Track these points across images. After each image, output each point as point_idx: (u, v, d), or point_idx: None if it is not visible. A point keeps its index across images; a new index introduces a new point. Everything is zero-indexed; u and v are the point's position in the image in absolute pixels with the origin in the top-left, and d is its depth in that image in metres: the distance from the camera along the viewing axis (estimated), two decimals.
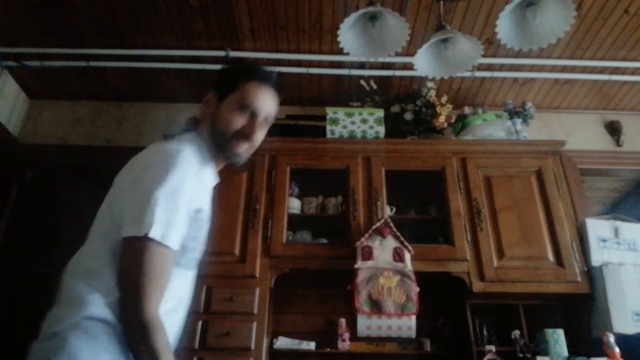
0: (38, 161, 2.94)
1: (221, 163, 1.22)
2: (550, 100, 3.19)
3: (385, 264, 2.25)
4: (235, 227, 2.36)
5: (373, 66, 2.84)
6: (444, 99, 2.82)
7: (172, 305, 1.03)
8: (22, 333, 2.58)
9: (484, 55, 2.17)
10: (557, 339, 2.19)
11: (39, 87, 3.11)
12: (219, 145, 1.16)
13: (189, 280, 1.13)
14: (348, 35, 1.93)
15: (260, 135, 1.19)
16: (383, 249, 2.29)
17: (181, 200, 1.00)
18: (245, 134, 1.15)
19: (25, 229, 2.74)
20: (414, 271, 2.25)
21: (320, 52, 2.79)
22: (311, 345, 2.39)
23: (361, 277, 2.22)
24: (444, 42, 1.98)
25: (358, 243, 2.30)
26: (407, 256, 2.29)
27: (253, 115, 1.16)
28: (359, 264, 2.25)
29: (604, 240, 2.41)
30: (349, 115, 2.69)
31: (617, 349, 2.04)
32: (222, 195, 2.43)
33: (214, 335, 2.12)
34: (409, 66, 2.49)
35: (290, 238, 2.47)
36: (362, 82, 2.85)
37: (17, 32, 2.68)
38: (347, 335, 2.39)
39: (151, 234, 0.93)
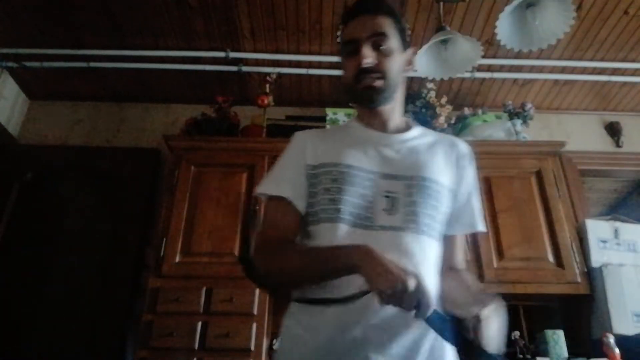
0: (38, 162, 2.94)
1: (379, 112, 1.11)
2: (550, 101, 3.19)
3: None
4: (235, 228, 2.36)
5: None
6: (443, 99, 2.82)
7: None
8: (22, 333, 2.60)
9: (484, 56, 2.17)
10: (557, 340, 2.19)
11: (39, 88, 3.11)
12: (352, 98, 1.14)
13: (355, 235, 0.96)
14: None
15: (379, 59, 1.05)
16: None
17: (283, 160, 1.11)
18: (358, 70, 1.05)
19: (25, 230, 2.74)
20: None
21: (320, 53, 2.78)
22: None
23: None
24: (444, 43, 1.99)
25: None
26: None
27: (357, 50, 1.06)
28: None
29: (604, 241, 2.41)
30: (349, 116, 2.69)
31: (617, 350, 2.03)
32: (222, 196, 2.43)
33: (213, 335, 2.12)
34: None
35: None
36: None
37: (17, 33, 2.68)
38: None
39: (256, 192, 1.09)
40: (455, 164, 1.11)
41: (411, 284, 0.76)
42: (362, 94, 1.06)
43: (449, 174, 1.09)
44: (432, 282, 0.96)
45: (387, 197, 0.99)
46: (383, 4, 1.11)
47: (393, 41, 1.08)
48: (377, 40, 1.06)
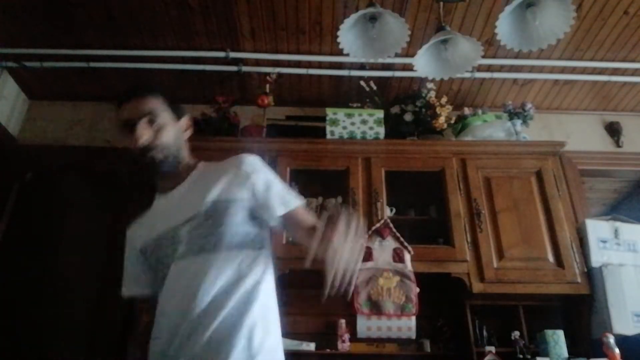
0: (38, 162, 2.94)
1: (167, 174, 1.26)
2: (550, 101, 3.19)
3: (385, 265, 2.26)
4: None
5: (373, 67, 2.84)
6: (443, 99, 2.82)
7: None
8: (22, 333, 2.60)
9: (484, 56, 2.17)
10: (557, 340, 2.19)
11: (39, 88, 3.11)
12: (141, 165, 1.23)
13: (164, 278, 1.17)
14: (348, 36, 1.93)
15: (150, 134, 1.19)
16: (382, 249, 2.29)
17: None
18: (133, 147, 1.19)
19: (25, 230, 2.74)
20: (413, 272, 2.25)
21: (320, 53, 2.79)
22: (311, 346, 2.39)
23: (361, 278, 2.22)
24: (444, 43, 1.99)
25: None
26: (407, 257, 2.29)
27: (131, 129, 1.20)
28: (359, 264, 2.25)
29: (604, 241, 2.41)
30: (349, 116, 2.70)
31: (617, 350, 2.03)
32: None
33: None
34: (408, 67, 2.49)
35: (290, 239, 2.46)
36: (362, 83, 2.85)
37: (17, 33, 2.68)
38: (346, 336, 2.38)
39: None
40: (232, 177, 1.22)
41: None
42: (148, 167, 1.21)
43: (225, 188, 1.20)
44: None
45: (175, 239, 1.16)
46: (150, 87, 1.28)
47: (164, 116, 1.23)
48: (150, 118, 1.20)
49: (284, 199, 1.22)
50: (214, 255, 1.11)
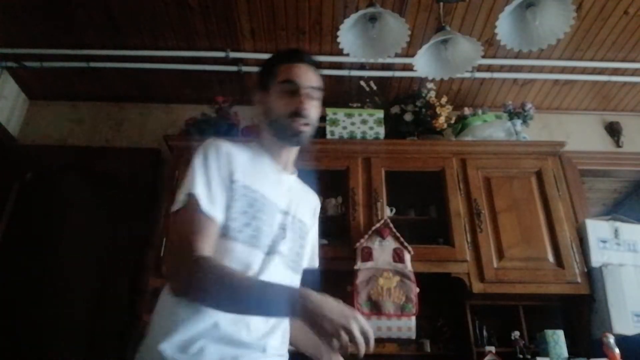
0: (38, 162, 2.94)
1: (288, 151, 1.26)
2: (550, 101, 3.19)
3: (385, 265, 2.25)
4: None
5: (373, 67, 2.84)
6: (443, 99, 2.83)
7: None
8: (22, 333, 2.59)
9: (484, 56, 2.17)
10: (557, 340, 2.18)
11: (39, 88, 3.11)
12: (280, 132, 1.20)
13: (262, 260, 1.09)
14: (348, 36, 1.93)
15: (312, 109, 1.20)
16: (382, 249, 2.29)
17: (211, 169, 1.07)
18: (296, 112, 1.17)
19: (25, 230, 2.73)
20: (413, 272, 2.25)
21: (320, 53, 2.78)
22: None
23: (361, 278, 2.22)
24: (444, 43, 1.99)
25: (358, 244, 2.30)
26: (407, 257, 2.28)
27: (297, 92, 1.18)
28: (359, 265, 2.25)
29: (604, 241, 2.41)
30: (349, 116, 2.70)
31: (617, 350, 2.03)
32: None
33: None
34: (408, 67, 2.49)
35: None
36: (362, 83, 2.85)
37: (17, 33, 2.68)
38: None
39: (176, 206, 1.06)
40: (313, 213, 1.36)
41: (355, 328, 0.84)
42: (292, 133, 1.18)
43: (310, 218, 1.32)
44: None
45: (282, 229, 1.15)
46: (318, 62, 1.28)
47: (320, 97, 1.24)
48: (313, 92, 1.20)
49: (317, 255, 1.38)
50: (297, 278, 1.22)
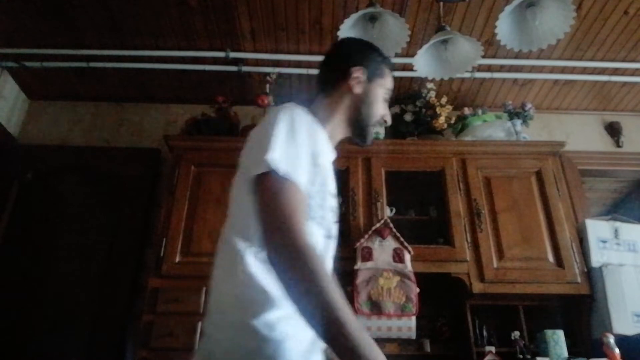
0: (38, 161, 2.94)
1: (338, 137, 1.24)
2: (550, 101, 3.19)
3: (385, 265, 2.25)
4: None
5: None
6: (443, 99, 2.82)
7: None
8: (22, 333, 2.60)
9: (484, 56, 2.17)
10: (557, 339, 2.19)
11: (39, 88, 3.11)
12: (360, 125, 1.20)
13: (324, 244, 1.06)
14: (348, 36, 1.93)
15: None
16: (382, 249, 2.29)
17: (300, 136, 0.99)
18: (385, 120, 1.20)
19: (25, 230, 2.74)
20: (413, 272, 2.25)
21: (321, 53, 2.77)
22: None
23: (361, 278, 2.22)
24: (444, 43, 1.99)
25: (358, 244, 2.30)
26: (407, 257, 2.29)
27: (386, 102, 1.21)
28: (359, 265, 2.25)
29: (604, 241, 2.41)
30: None
31: (617, 350, 2.03)
32: (222, 196, 2.43)
33: None
34: (408, 67, 2.49)
35: None
36: None
37: (17, 33, 2.68)
38: None
39: (273, 166, 0.90)
40: None
41: None
42: (369, 135, 1.21)
43: None
44: None
45: (334, 212, 1.13)
46: None
47: None
48: None
49: None
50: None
